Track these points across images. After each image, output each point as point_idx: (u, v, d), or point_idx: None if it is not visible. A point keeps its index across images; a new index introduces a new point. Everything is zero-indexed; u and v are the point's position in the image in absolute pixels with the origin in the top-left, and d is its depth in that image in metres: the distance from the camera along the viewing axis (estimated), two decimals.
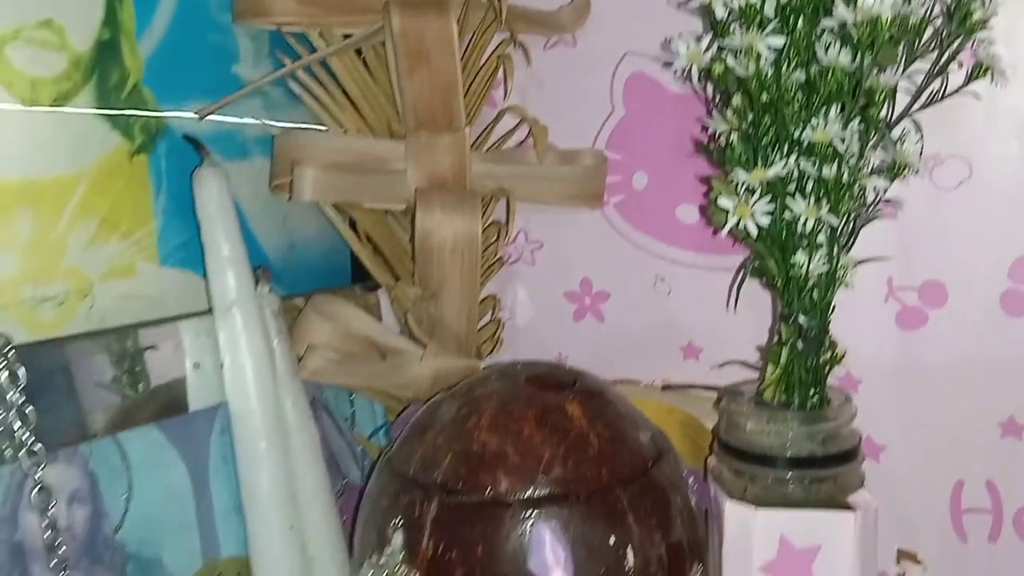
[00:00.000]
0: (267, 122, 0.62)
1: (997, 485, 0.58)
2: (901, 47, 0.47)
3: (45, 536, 0.46)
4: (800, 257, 0.49)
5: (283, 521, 0.54)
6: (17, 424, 0.45)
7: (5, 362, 0.45)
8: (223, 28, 0.60)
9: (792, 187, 0.48)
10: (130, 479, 0.51)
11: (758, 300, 0.62)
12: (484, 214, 0.63)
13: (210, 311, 0.54)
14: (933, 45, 0.48)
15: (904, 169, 0.49)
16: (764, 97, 0.47)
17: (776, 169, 0.47)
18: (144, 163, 0.55)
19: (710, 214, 0.50)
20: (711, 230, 0.62)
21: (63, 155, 0.50)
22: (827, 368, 0.51)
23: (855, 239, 0.51)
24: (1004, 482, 0.58)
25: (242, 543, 0.55)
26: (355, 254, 0.66)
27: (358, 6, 0.60)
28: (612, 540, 0.48)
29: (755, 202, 0.47)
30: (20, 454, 0.45)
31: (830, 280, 0.49)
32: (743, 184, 0.48)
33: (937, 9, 0.48)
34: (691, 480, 0.55)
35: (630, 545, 0.49)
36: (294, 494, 0.55)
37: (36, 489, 0.46)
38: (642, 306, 0.67)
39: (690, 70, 0.48)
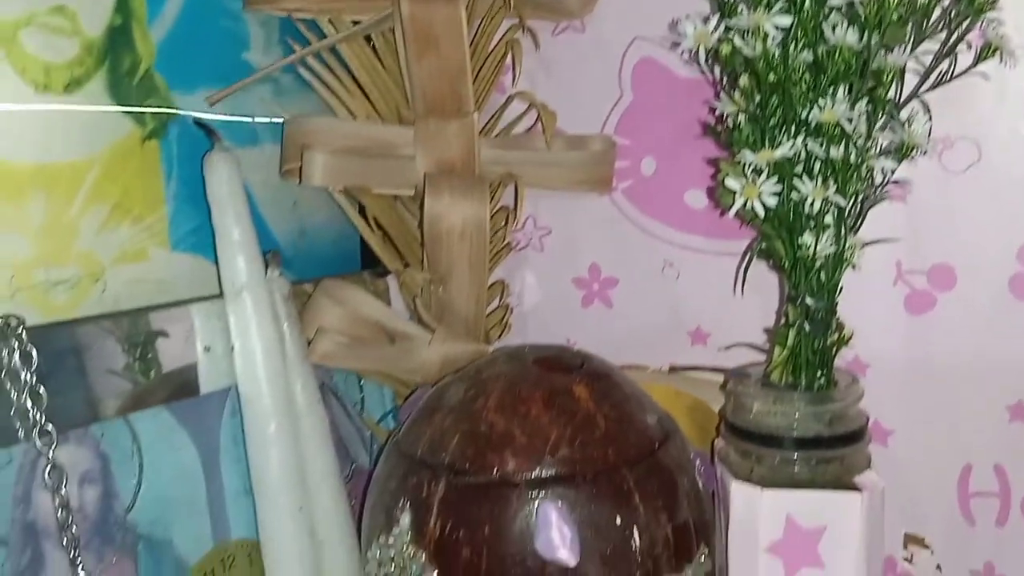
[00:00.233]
0: (257, 119, 0.62)
1: (1005, 469, 0.58)
2: (909, 27, 0.47)
3: (57, 515, 0.47)
4: (807, 238, 0.49)
5: (292, 503, 0.55)
6: (29, 404, 0.45)
7: (18, 343, 0.45)
8: (234, 14, 0.61)
9: (799, 168, 0.48)
10: (141, 461, 0.52)
11: (766, 285, 0.62)
12: (492, 199, 0.63)
13: (221, 295, 0.55)
14: (941, 25, 0.48)
15: (912, 150, 0.49)
16: (771, 77, 0.47)
17: (783, 150, 0.47)
18: (155, 149, 0.55)
19: (718, 196, 0.50)
20: (719, 215, 0.62)
21: (75, 140, 0.51)
22: (834, 350, 0.51)
23: (863, 221, 0.51)
24: (1012, 466, 0.58)
25: (252, 526, 0.56)
26: (364, 240, 0.66)
27: None
28: (618, 520, 0.49)
29: (762, 183, 0.47)
30: (32, 434, 0.46)
31: (837, 261, 0.49)
32: (750, 165, 0.48)
33: None
34: (698, 462, 0.55)
35: (636, 525, 0.49)
36: (303, 477, 0.56)
37: (48, 469, 0.46)
38: (650, 292, 0.67)
39: (697, 51, 0.48)
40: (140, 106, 0.54)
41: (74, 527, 0.47)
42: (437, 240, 0.61)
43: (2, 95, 0.47)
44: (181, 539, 0.54)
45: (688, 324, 0.66)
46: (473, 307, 0.63)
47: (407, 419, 0.56)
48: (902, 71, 0.48)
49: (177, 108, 0.56)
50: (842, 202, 0.48)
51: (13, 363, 0.45)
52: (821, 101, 0.46)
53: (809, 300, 0.50)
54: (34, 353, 0.46)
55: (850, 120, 0.46)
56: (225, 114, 0.60)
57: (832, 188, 0.47)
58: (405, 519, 0.50)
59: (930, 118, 0.50)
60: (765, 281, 0.62)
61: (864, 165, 0.48)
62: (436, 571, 0.49)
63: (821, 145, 0.47)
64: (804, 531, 0.48)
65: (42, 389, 0.46)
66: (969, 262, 0.58)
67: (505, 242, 0.67)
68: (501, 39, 0.64)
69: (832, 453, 0.49)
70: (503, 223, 0.65)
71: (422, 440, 0.52)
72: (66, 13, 0.50)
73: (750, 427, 0.50)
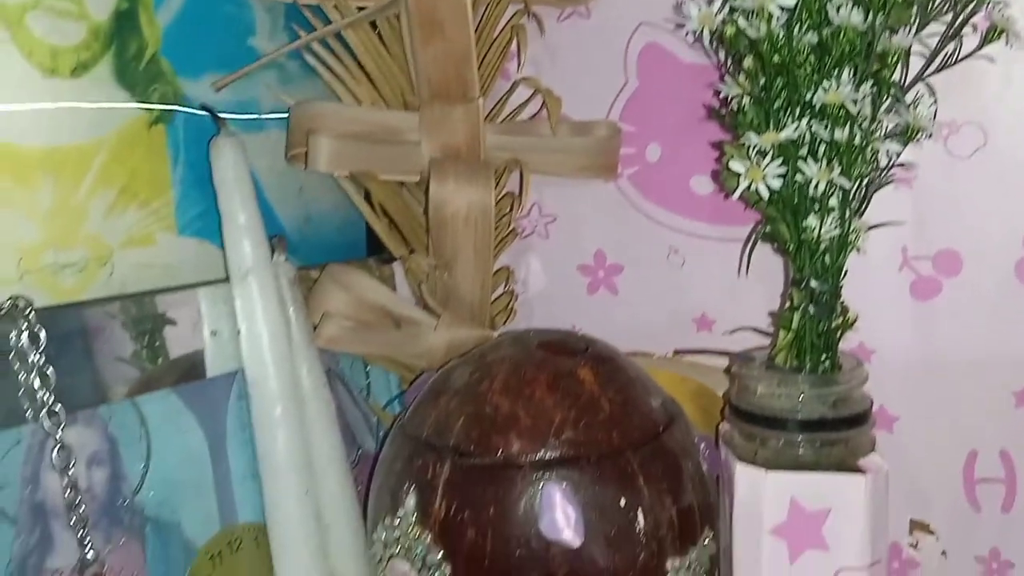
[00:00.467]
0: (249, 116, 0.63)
1: (1011, 455, 0.58)
2: (914, 8, 0.47)
3: (65, 495, 0.47)
4: (812, 221, 0.49)
5: (299, 486, 0.55)
6: (37, 384, 0.46)
7: (26, 324, 0.46)
8: (239, 0, 0.61)
9: (804, 151, 0.48)
10: (149, 443, 0.52)
11: (770, 273, 0.62)
12: (498, 185, 0.63)
13: (227, 279, 0.55)
14: (947, 7, 0.48)
15: (918, 133, 0.48)
16: (776, 59, 0.47)
17: (788, 132, 0.47)
18: (162, 133, 0.56)
19: (722, 179, 0.50)
20: (725, 202, 0.62)
21: (83, 124, 0.51)
22: (839, 333, 0.51)
23: (868, 204, 0.51)
24: (1018, 452, 0.58)
25: (259, 509, 0.56)
26: (370, 227, 0.66)
27: None
28: (622, 502, 0.49)
29: (767, 165, 0.47)
30: (41, 414, 0.46)
31: (842, 244, 0.49)
32: (755, 147, 0.48)
33: None
34: (702, 446, 0.55)
35: (640, 507, 0.49)
36: (310, 460, 0.56)
37: (56, 449, 0.47)
38: (655, 278, 0.67)
39: (701, 33, 0.48)
40: (146, 90, 0.54)
41: (82, 507, 0.47)
42: (442, 225, 0.61)
43: (9, 78, 0.48)
44: (189, 521, 0.54)
45: (693, 311, 0.66)
46: (478, 293, 0.63)
47: (412, 402, 0.56)
48: (907, 53, 0.48)
49: (183, 92, 0.56)
50: (847, 184, 0.48)
51: (21, 344, 0.45)
52: (826, 83, 0.46)
53: (814, 283, 0.50)
54: (42, 334, 0.46)
55: (855, 102, 0.46)
56: (231, 100, 0.60)
57: (837, 170, 0.47)
58: (410, 501, 0.51)
59: (935, 101, 0.50)
60: (770, 268, 0.62)
61: (869, 147, 0.48)
62: (441, 552, 0.49)
63: (826, 127, 0.47)
64: (808, 513, 0.48)
65: (50, 370, 0.46)
66: (975, 247, 0.57)
67: (510, 228, 0.67)
68: (506, 25, 0.64)
69: (836, 435, 0.49)
70: (508, 209, 0.66)
71: (427, 423, 0.53)
72: None
73: (754, 409, 0.50)
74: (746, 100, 0.49)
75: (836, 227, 0.49)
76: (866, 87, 0.47)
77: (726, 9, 0.48)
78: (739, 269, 0.62)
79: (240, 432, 0.57)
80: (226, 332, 0.55)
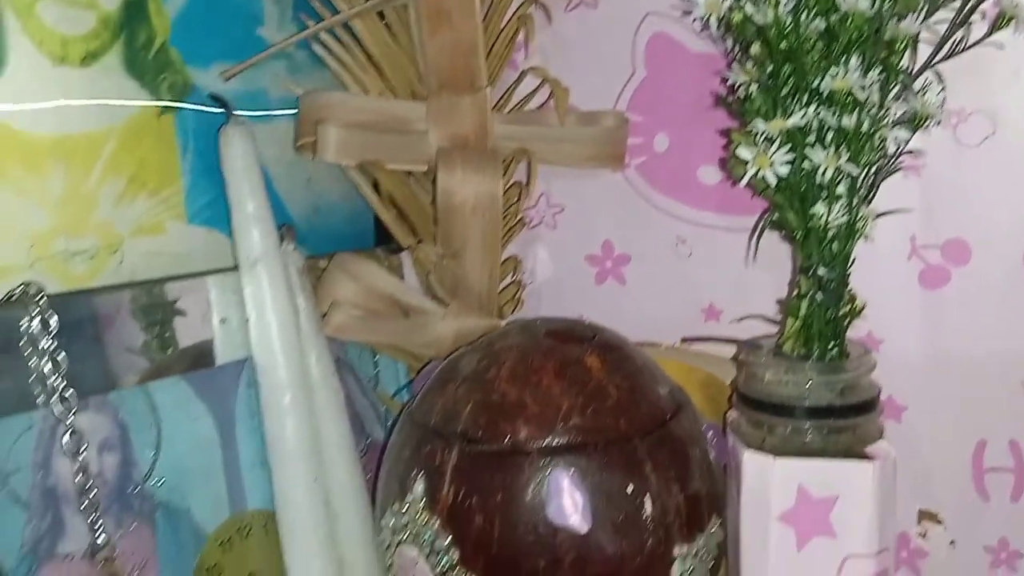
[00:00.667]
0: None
1: (1020, 444, 0.58)
2: None
3: (76, 479, 0.47)
4: (820, 208, 0.49)
5: (307, 474, 0.55)
6: (48, 369, 0.46)
7: (37, 309, 0.46)
8: None
9: (812, 138, 0.48)
10: (159, 429, 0.52)
11: (778, 263, 0.62)
12: (505, 175, 0.63)
13: (236, 268, 0.55)
14: None
15: (926, 120, 0.48)
16: (783, 45, 0.47)
17: (795, 119, 0.47)
18: (171, 122, 0.56)
19: (729, 167, 0.50)
20: (732, 192, 0.62)
21: (93, 112, 0.51)
22: (846, 321, 0.51)
23: (876, 192, 0.51)
24: None
25: (268, 497, 0.56)
26: (378, 218, 0.67)
27: None
28: (630, 489, 0.49)
29: (774, 152, 0.47)
30: (52, 400, 0.46)
31: (850, 231, 0.49)
32: (762, 134, 0.48)
33: None
34: (710, 435, 0.55)
35: (648, 494, 0.49)
36: (318, 448, 0.56)
37: (68, 433, 0.47)
38: (663, 269, 0.67)
39: (709, 20, 0.48)
40: (155, 79, 0.55)
41: (93, 491, 0.48)
42: (450, 214, 0.61)
43: (20, 67, 0.48)
44: (198, 508, 0.54)
45: (701, 301, 0.66)
46: (486, 282, 0.63)
47: (420, 391, 0.56)
48: (915, 39, 0.48)
49: (192, 82, 0.57)
50: (855, 171, 0.47)
51: (32, 329, 0.46)
52: (833, 69, 0.46)
53: (821, 270, 0.50)
54: (53, 320, 0.46)
55: (863, 88, 0.46)
56: (240, 90, 0.60)
57: (844, 157, 0.47)
58: (419, 487, 0.51)
59: (943, 88, 0.50)
60: (777, 259, 0.62)
61: (877, 135, 0.48)
62: (449, 537, 0.49)
63: (833, 114, 0.47)
64: (816, 500, 0.48)
65: (61, 355, 0.46)
66: (984, 237, 0.57)
67: (518, 218, 0.67)
68: (514, 14, 0.64)
69: (844, 423, 0.49)
70: (516, 199, 0.66)
71: (435, 410, 0.53)
72: None
73: (762, 397, 0.50)
74: (753, 87, 0.49)
75: (844, 214, 0.49)
76: (874, 74, 0.47)
77: None
78: (747, 260, 0.62)
79: (249, 420, 0.57)
80: (235, 320, 0.56)
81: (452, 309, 0.62)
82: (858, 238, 0.50)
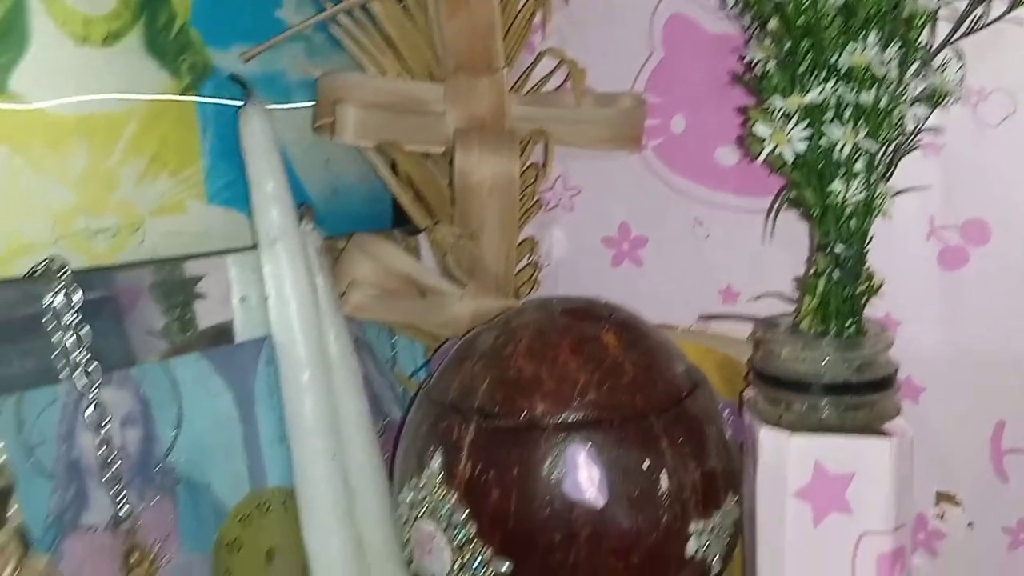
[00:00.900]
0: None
1: None
2: None
3: (99, 452, 0.48)
4: (837, 185, 0.49)
5: (326, 451, 0.56)
6: (72, 343, 0.47)
7: (61, 284, 0.47)
8: None
9: (830, 115, 0.48)
10: (180, 405, 0.53)
11: (795, 244, 0.62)
12: (522, 156, 0.64)
13: (255, 247, 0.56)
14: None
15: (945, 96, 0.48)
16: (801, 21, 0.46)
17: (813, 95, 0.47)
18: (191, 103, 0.57)
19: (747, 144, 0.50)
20: (750, 173, 0.62)
21: (114, 92, 0.52)
22: (864, 298, 0.51)
23: (894, 169, 0.51)
24: None
25: (287, 473, 0.57)
26: (396, 200, 0.67)
27: None
28: (646, 464, 0.49)
29: (792, 128, 0.47)
30: (75, 373, 0.47)
31: (867, 208, 0.49)
32: (780, 111, 0.48)
33: None
34: (726, 413, 0.55)
35: (664, 470, 0.49)
36: (337, 425, 0.57)
37: (92, 406, 0.48)
38: (680, 250, 0.67)
39: None
40: (176, 60, 0.55)
41: (116, 463, 0.48)
42: (467, 195, 0.61)
43: (43, 47, 0.49)
44: (219, 483, 0.55)
45: (718, 282, 0.66)
46: (503, 262, 0.63)
47: (437, 369, 0.57)
48: (934, 15, 0.47)
49: (212, 63, 0.57)
50: (873, 147, 0.47)
51: (56, 304, 0.46)
52: (852, 45, 0.46)
53: (839, 247, 0.50)
54: (77, 295, 0.47)
55: (882, 64, 0.46)
56: (259, 71, 0.60)
57: (863, 133, 0.47)
58: (436, 462, 0.51)
59: (963, 65, 0.50)
60: (794, 238, 0.62)
61: (896, 111, 0.48)
62: (466, 512, 0.50)
63: (852, 90, 0.47)
64: (832, 476, 0.48)
65: (85, 330, 0.47)
66: (1003, 217, 0.57)
67: (535, 199, 0.67)
68: None
69: (861, 399, 0.49)
70: (533, 180, 0.66)
71: (452, 386, 0.53)
72: None
73: (779, 373, 0.50)
74: (771, 64, 0.49)
75: (862, 191, 0.49)
76: (893, 50, 0.47)
77: None
78: (763, 238, 0.62)
79: (268, 397, 0.57)
80: (254, 298, 0.56)
81: (469, 290, 0.62)
82: (876, 215, 0.50)
